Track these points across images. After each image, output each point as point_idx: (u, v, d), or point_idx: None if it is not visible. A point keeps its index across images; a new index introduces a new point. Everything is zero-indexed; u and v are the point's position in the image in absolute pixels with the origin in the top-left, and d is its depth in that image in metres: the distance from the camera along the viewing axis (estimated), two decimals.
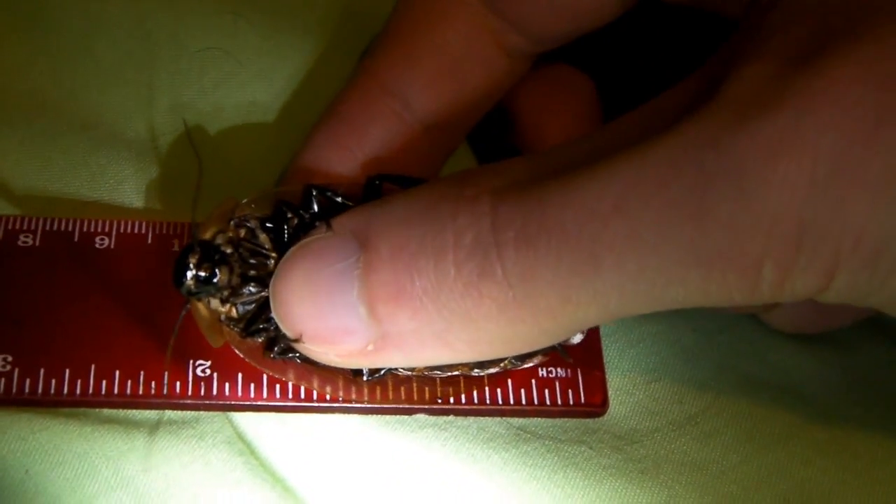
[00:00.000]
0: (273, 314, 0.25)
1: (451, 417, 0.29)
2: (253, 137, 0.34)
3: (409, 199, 0.24)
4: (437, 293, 0.23)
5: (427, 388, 0.28)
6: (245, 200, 0.27)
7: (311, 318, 0.24)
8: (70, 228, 0.30)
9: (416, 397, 0.28)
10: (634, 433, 0.29)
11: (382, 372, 0.28)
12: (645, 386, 0.30)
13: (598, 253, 0.22)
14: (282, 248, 0.26)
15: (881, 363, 0.31)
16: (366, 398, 0.28)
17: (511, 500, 0.27)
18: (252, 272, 0.26)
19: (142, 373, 0.28)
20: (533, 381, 0.29)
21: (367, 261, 0.24)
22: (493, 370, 0.28)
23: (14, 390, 0.27)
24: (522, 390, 0.29)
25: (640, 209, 0.21)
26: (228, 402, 0.28)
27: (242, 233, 0.27)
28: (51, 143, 0.32)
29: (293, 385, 0.28)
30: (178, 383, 0.28)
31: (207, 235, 0.26)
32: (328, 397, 0.28)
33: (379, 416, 0.28)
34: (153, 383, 0.27)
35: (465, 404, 0.29)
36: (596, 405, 0.29)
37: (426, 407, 0.28)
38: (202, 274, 0.25)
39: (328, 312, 0.24)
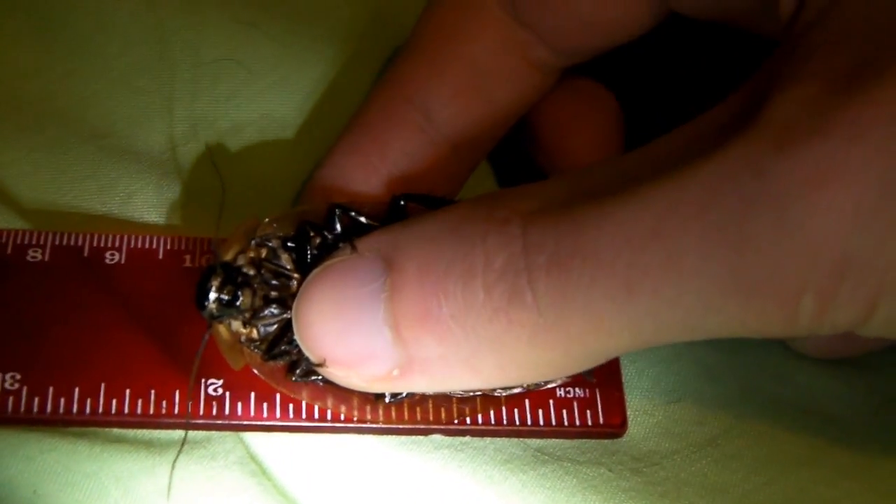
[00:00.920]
0: (296, 337, 0.25)
1: (467, 438, 0.28)
2: (269, 151, 0.33)
3: (437, 219, 0.24)
4: (466, 317, 0.22)
5: (443, 408, 0.28)
6: (267, 220, 0.27)
7: (334, 341, 0.24)
8: (80, 243, 0.29)
9: (432, 418, 0.28)
10: (654, 455, 0.29)
11: (404, 394, 0.27)
12: (664, 406, 0.30)
13: (633, 279, 0.21)
14: (305, 268, 0.26)
15: None
16: (381, 418, 0.27)
17: None
18: (274, 294, 0.26)
19: (153, 391, 0.27)
20: (551, 401, 0.29)
21: (393, 283, 0.23)
22: (515, 390, 0.27)
23: (23, 409, 0.26)
24: (540, 411, 0.28)
25: (678, 235, 0.21)
26: (241, 422, 0.27)
27: (264, 253, 0.26)
28: (61, 152, 0.32)
29: (307, 405, 0.27)
30: (189, 403, 0.27)
31: (229, 256, 0.26)
32: (342, 417, 0.27)
33: (394, 436, 0.28)
34: (164, 402, 0.27)
35: (482, 425, 0.28)
36: (615, 426, 0.29)
37: (442, 427, 0.28)
38: (225, 297, 0.25)
39: (352, 336, 0.24)
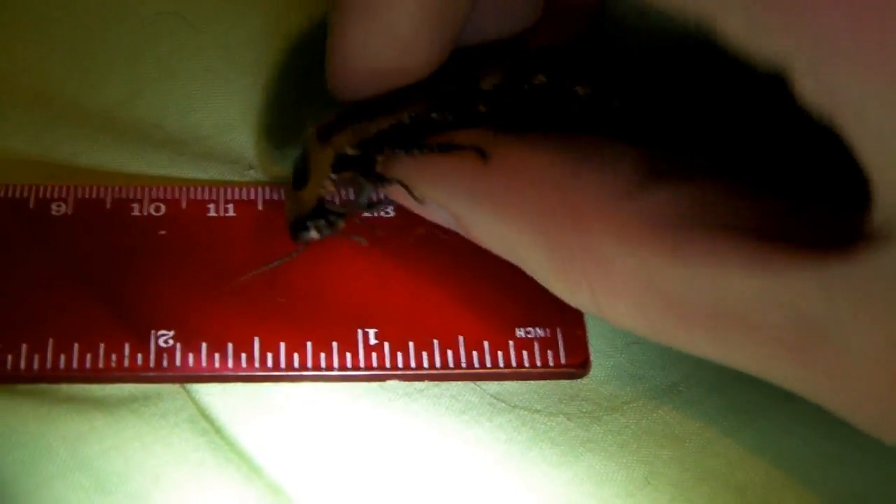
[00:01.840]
0: None
1: (423, 385, 0.28)
2: (219, 105, 0.32)
3: None
4: None
5: (400, 353, 0.27)
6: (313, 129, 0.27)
7: None
8: (25, 195, 0.29)
9: (389, 364, 0.27)
10: (614, 399, 0.28)
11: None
12: (625, 348, 0.29)
13: None
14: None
15: None
16: (336, 364, 0.27)
17: (483, 481, 0.27)
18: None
19: (102, 345, 0.27)
20: (511, 342, 0.28)
21: None
22: None
23: None
24: (500, 353, 0.28)
25: None
26: (193, 374, 0.27)
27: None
28: (3, 119, 0.30)
29: (259, 354, 0.27)
30: (139, 355, 0.27)
31: (315, 194, 0.27)
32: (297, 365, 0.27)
33: (349, 389, 0.27)
34: (113, 356, 0.26)
35: (440, 369, 0.28)
36: (577, 366, 0.28)
37: (399, 373, 0.28)
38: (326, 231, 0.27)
39: None
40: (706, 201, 0.23)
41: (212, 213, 0.29)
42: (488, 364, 0.28)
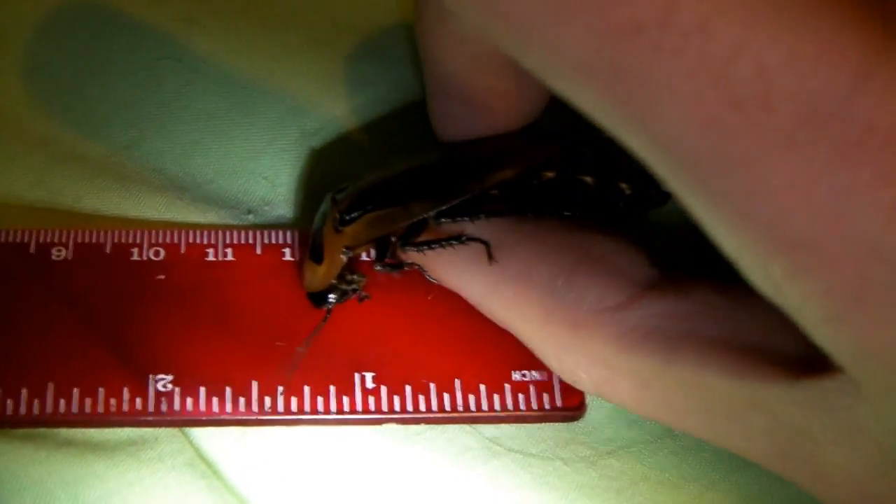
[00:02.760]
0: None
1: (420, 427, 0.28)
2: (220, 149, 0.32)
3: None
4: None
5: (397, 397, 0.28)
6: (331, 196, 0.28)
7: None
8: (26, 240, 0.29)
9: (385, 407, 0.27)
10: (610, 443, 0.28)
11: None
12: None
13: None
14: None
15: None
16: (333, 408, 0.27)
17: None
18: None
19: (101, 390, 0.27)
20: (507, 386, 0.28)
21: None
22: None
23: None
24: (496, 396, 0.28)
25: None
26: (191, 418, 0.27)
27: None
28: (5, 162, 0.31)
29: (258, 397, 0.27)
30: (138, 399, 0.27)
31: (330, 277, 0.28)
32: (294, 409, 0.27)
33: (346, 433, 0.28)
34: (113, 400, 0.27)
35: (437, 412, 0.28)
36: (573, 408, 0.28)
37: (396, 417, 0.28)
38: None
39: None
40: (694, 314, 0.24)
41: (210, 258, 0.29)
42: (485, 407, 0.28)
